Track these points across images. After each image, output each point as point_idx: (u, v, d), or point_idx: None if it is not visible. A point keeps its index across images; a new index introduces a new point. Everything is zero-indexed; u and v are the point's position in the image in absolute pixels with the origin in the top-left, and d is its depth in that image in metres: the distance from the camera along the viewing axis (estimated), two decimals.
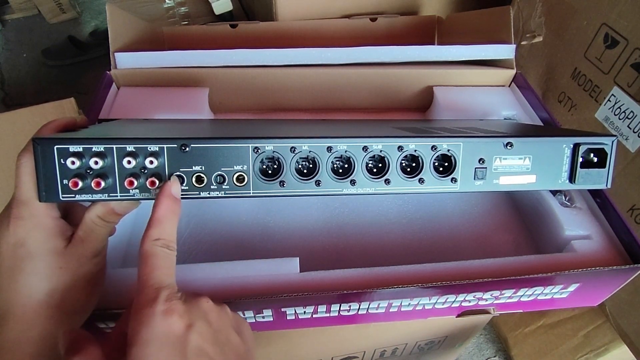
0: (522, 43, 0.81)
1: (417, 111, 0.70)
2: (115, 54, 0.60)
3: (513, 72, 0.66)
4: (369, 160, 0.36)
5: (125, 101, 0.60)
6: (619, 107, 0.63)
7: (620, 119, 0.63)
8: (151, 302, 0.29)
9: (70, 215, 0.36)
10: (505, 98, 0.65)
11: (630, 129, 0.61)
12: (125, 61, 0.61)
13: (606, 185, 0.39)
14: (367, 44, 0.65)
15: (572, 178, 0.38)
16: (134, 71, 0.61)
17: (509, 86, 0.68)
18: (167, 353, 0.27)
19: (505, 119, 0.62)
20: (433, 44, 0.90)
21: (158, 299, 0.29)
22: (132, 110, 0.58)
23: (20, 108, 0.74)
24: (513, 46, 0.66)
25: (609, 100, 0.65)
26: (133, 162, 0.32)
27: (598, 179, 0.38)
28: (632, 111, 0.61)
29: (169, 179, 0.33)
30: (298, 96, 0.67)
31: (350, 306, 0.44)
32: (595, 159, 0.38)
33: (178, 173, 0.33)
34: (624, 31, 0.62)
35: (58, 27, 1.92)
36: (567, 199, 0.51)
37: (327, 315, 0.45)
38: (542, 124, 0.59)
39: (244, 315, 0.43)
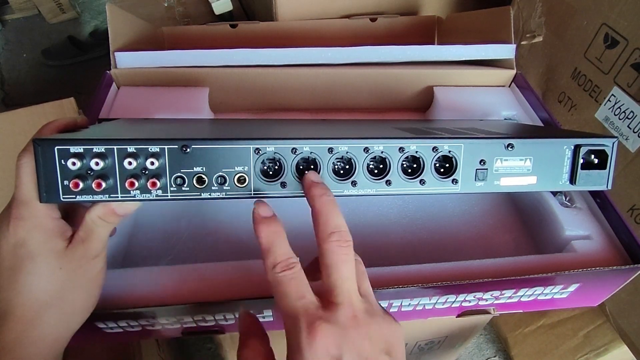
0: (522, 43, 0.81)
1: (417, 111, 0.70)
2: (115, 53, 0.60)
3: (513, 72, 0.66)
4: (370, 161, 0.36)
5: (125, 101, 0.60)
6: (619, 107, 0.63)
7: (620, 119, 0.63)
8: (296, 334, 0.29)
9: (71, 215, 0.36)
10: (505, 98, 0.65)
11: (630, 129, 0.62)
12: (125, 61, 0.61)
13: (606, 187, 0.39)
14: (367, 44, 0.64)
15: (572, 179, 0.38)
16: (134, 71, 0.61)
17: (509, 86, 0.68)
18: None
19: (505, 119, 0.62)
20: (433, 44, 0.90)
21: (300, 329, 0.29)
22: (132, 110, 0.58)
23: (20, 108, 0.74)
24: (513, 46, 0.66)
25: (609, 100, 0.65)
26: (134, 163, 0.32)
27: (598, 181, 0.38)
28: (632, 111, 0.61)
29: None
30: (298, 96, 0.67)
31: None
32: (596, 160, 0.38)
33: (178, 174, 0.33)
34: (624, 31, 0.62)
35: (58, 27, 1.92)
36: (567, 199, 0.51)
37: None
38: (542, 124, 0.59)
39: None
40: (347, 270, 0.31)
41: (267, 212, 0.33)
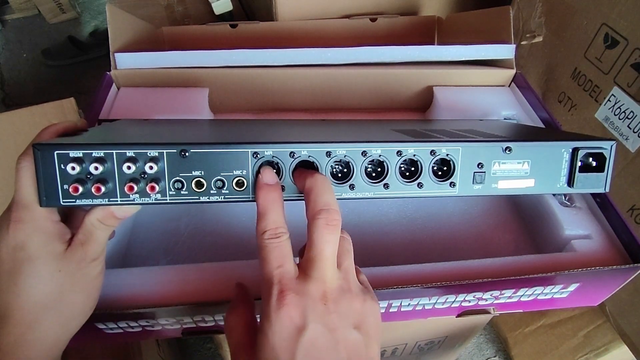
0: (522, 43, 0.81)
1: (417, 111, 0.70)
2: (115, 54, 0.60)
3: (513, 72, 0.66)
4: (368, 165, 0.36)
5: (125, 102, 0.60)
6: (619, 107, 0.63)
7: (620, 119, 0.63)
8: (267, 298, 0.31)
9: (70, 218, 0.36)
10: (505, 98, 0.65)
11: (630, 129, 0.61)
12: (125, 61, 0.61)
13: (604, 190, 0.38)
14: (367, 44, 0.64)
15: (570, 182, 0.38)
16: (134, 71, 0.61)
17: (509, 86, 0.68)
18: (280, 348, 0.29)
19: (505, 119, 0.62)
20: (433, 44, 0.90)
21: (271, 295, 0.30)
22: (132, 110, 0.58)
23: (20, 108, 0.74)
24: (513, 46, 0.66)
25: (609, 100, 0.65)
26: (133, 168, 0.32)
27: (596, 183, 0.38)
28: (632, 111, 0.61)
29: (257, 174, 0.34)
30: (298, 96, 0.67)
31: None
32: (594, 163, 0.38)
33: (177, 178, 0.33)
34: (624, 31, 0.62)
35: (58, 27, 1.92)
36: (567, 198, 0.51)
37: None
38: (542, 124, 0.59)
39: None
40: (327, 248, 0.32)
41: (271, 180, 0.34)
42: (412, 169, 0.36)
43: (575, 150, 0.37)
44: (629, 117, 0.61)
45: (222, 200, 0.34)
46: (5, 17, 1.93)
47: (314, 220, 0.32)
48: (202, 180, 0.33)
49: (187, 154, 0.32)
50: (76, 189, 0.31)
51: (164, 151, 0.32)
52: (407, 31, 0.89)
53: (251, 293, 0.37)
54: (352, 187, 0.35)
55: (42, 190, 0.32)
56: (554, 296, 0.47)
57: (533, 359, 1.00)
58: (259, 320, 0.32)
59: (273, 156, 0.34)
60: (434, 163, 0.36)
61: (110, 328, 0.42)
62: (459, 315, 0.50)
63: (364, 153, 0.35)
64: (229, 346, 0.34)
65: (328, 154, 0.34)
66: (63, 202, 0.32)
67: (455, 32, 0.83)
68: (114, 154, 0.32)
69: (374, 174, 0.36)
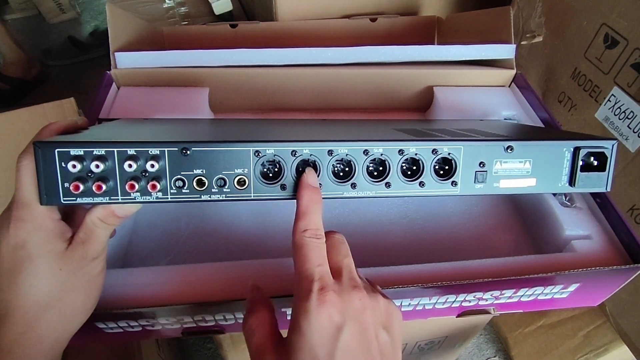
0: (522, 43, 0.81)
1: (417, 111, 0.70)
2: (115, 53, 0.60)
3: (513, 72, 0.66)
4: (370, 164, 0.36)
5: (125, 101, 0.60)
6: (619, 107, 0.63)
7: (620, 119, 0.63)
8: (306, 295, 0.30)
9: (71, 217, 0.36)
10: (505, 98, 0.65)
11: (630, 129, 0.62)
12: (125, 61, 0.61)
13: (606, 189, 0.38)
14: (367, 44, 0.64)
15: (572, 181, 0.38)
16: (134, 71, 0.61)
17: (509, 86, 0.68)
18: (319, 347, 0.29)
19: (505, 119, 0.62)
20: (433, 44, 0.90)
21: (312, 292, 0.30)
22: (132, 110, 0.58)
23: (20, 108, 0.74)
24: (513, 46, 0.66)
25: (609, 100, 0.65)
26: (134, 166, 0.32)
27: (598, 183, 0.38)
28: (632, 111, 0.61)
29: (303, 171, 0.34)
30: (298, 96, 0.67)
31: None
32: (596, 163, 0.38)
33: (178, 177, 0.33)
34: (624, 31, 0.62)
35: (58, 27, 1.92)
36: (567, 198, 0.51)
37: None
38: (542, 125, 0.59)
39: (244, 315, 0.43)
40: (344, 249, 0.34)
41: (315, 182, 0.34)
42: (414, 167, 0.36)
43: (576, 150, 0.37)
44: (629, 117, 0.61)
45: (224, 199, 0.34)
46: (5, 17, 1.93)
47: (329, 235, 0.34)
48: (203, 178, 0.33)
49: (188, 152, 0.32)
50: (77, 187, 0.31)
51: (165, 149, 0.32)
52: (407, 31, 0.89)
53: (267, 296, 0.36)
54: (353, 185, 0.35)
55: (42, 189, 0.31)
56: (554, 296, 0.47)
57: (533, 359, 1.00)
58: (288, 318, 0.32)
59: (275, 155, 0.34)
60: (435, 162, 0.36)
61: (110, 328, 0.42)
62: (459, 315, 0.50)
63: (365, 152, 0.35)
64: (250, 349, 0.33)
65: (330, 152, 0.34)
66: (64, 200, 0.32)
67: (455, 32, 0.84)
68: (115, 152, 0.32)
69: (375, 173, 0.36)
